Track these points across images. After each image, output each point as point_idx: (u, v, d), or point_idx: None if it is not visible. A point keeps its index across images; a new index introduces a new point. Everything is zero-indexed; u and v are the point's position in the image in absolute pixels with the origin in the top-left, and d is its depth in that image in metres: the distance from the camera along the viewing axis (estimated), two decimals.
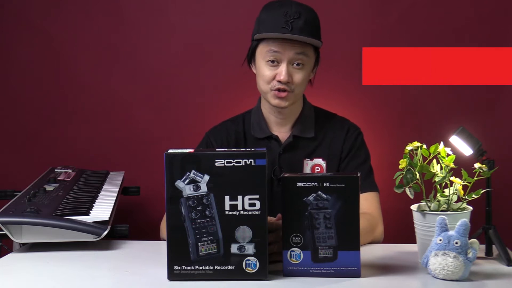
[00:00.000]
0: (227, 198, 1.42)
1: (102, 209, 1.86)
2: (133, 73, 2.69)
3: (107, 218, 1.76)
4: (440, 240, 1.44)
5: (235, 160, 1.42)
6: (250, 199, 1.43)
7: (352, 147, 1.91)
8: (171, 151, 1.44)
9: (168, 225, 1.44)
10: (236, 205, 1.42)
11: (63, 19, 2.69)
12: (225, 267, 1.43)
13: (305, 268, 1.47)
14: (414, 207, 1.60)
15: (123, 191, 2.36)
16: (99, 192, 2.10)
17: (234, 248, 1.43)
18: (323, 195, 1.44)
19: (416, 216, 1.58)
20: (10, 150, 2.73)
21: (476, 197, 1.56)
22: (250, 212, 1.43)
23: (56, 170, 2.43)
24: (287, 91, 1.81)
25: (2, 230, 1.69)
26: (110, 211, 1.83)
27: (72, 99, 2.72)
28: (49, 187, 2.10)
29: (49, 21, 2.69)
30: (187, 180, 1.42)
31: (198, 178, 1.42)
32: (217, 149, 1.48)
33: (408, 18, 2.56)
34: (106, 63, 2.69)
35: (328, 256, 1.45)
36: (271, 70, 1.81)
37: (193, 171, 1.42)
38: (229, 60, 2.59)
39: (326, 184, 1.44)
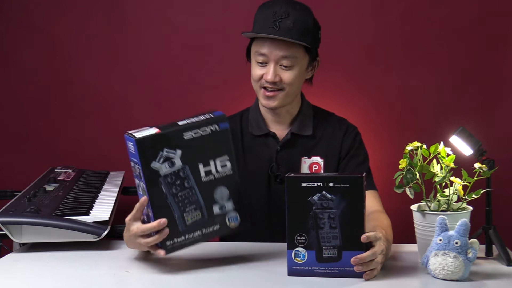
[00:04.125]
0: (200, 166, 1.50)
1: (102, 209, 1.86)
2: (133, 73, 2.69)
3: (107, 218, 1.76)
4: (440, 240, 1.44)
5: (201, 129, 1.49)
6: (221, 161, 1.52)
7: (351, 147, 1.91)
8: (137, 134, 1.46)
9: (154, 207, 1.48)
10: (210, 170, 1.51)
11: (63, 19, 2.69)
12: (211, 228, 1.53)
13: (310, 268, 1.47)
14: (414, 207, 1.60)
15: (123, 191, 2.36)
16: (99, 192, 2.10)
17: (216, 209, 1.52)
18: (328, 195, 1.44)
19: (416, 216, 1.58)
20: (10, 150, 2.73)
21: (476, 197, 1.56)
22: (223, 174, 1.53)
23: (56, 170, 2.43)
24: (275, 90, 1.81)
25: (2, 230, 1.69)
26: (110, 211, 1.83)
27: (72, 99, 2.72)
28: (49, 187, 2.10)
29: (49, 21, 2.69)
30: (162, 159, 1.46)
31: (171, 155, 1.47)
32: (179, 122, 1.51)
33: (408, 18, 2.56)
34: (106, 63, 2.70)
35: (332, 256, 1.45)
36: (260, 70, 1.81)
37: (165, 150, 1.47)
38: (229, 60, 2.60)
39: (331, 184, 1.44)
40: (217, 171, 1.52)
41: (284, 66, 1.79)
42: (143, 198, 1.49)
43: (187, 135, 1.48)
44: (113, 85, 2.70)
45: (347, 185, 1.44)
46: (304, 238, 1.46)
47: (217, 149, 1.52)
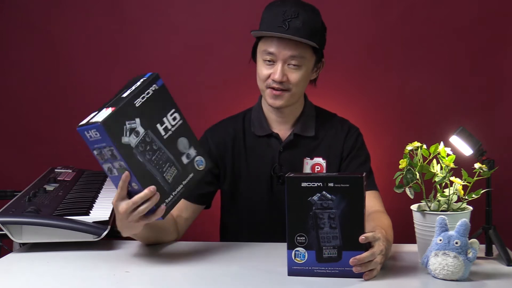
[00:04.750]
0: (158, 126, 1.56)
1: (102, 209, 1.86)
2: (133, 73, 2.67)
3: (107, 218, 1.77)
4: (440, 240, 1.44)
5: (146, 93, 1.56)
6: (171, 115, 1.59)
7: (353, 148, 1.91)
8: (99, 119, 1.49)
9: (138, 178, 1.51)
10: (166, 126, 1.58)
11: (63, 19, 2.69)
12: (188, 178, 1.59)
13: (310, 268, 1.47)
14: (414, 207, 1.60)
15: None
16: (99, 192, 2.10)
17: (184, 159, 1.59)
18: (328, 195, 1.44)
19: (416, 216, 1.58)
20: (10, 150, 2.74)
21: (476, 197, 1.56)
22: (177, 125, 1.59)
23: (56, 170, 2.43)
24: (282, 90, 1.81)
25: (2, 230, 1.69)
26: (110, 211, 1.83)
27: (72, 99, 2.72)
28: (49, 187, 2.10)
29: (49, 21, 2.69)
30: (127, 132, 1.52)
31: (133, 125, 1.52)
32: (123, 95, 1.57)
33: (408, 18, 2.56)
34: (106, 63, 2.70)
35: (332, 256, 1.45)
36: (267, 69, 1.81)
37: (126, 122, 1.51)
38: (230, 60, 2.60)
39: (331, 184, 1.44)
40: (171, 125, 1.58)
41: (292, 66, 1.79)
42: (125, 174, 1.50)
43: (138, 102, 1.54)
44: (113, 85, 2.68)
45: (347, 185, 1.44)
46: (304, 238, 1.46)
47: (163, 105, 1.59)
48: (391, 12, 2.57)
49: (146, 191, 1.49)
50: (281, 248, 1.61)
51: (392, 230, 1.69)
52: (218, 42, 2.63)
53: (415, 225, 1.59)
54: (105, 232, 1.70)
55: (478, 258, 1.53)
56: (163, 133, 1.56)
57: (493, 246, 1.63)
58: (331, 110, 2.00)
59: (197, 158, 1.61)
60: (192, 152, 1.61)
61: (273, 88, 1.81)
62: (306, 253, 1.46)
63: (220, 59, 2.63)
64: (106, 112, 1.51)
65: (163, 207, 1.52)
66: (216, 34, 2.63)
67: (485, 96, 2.56)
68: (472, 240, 1.45)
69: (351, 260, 1.43)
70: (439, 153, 1.56)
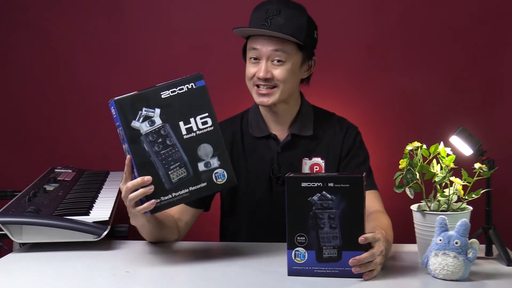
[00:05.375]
0: (181, 124, 1.53)
1: (102, 209, 1.86)
2: (133, 73, 2.69)
3: (107, 218, 1.76)
4: (440, 240, 1.44)
5: (178, 88, 1.53)
6: (201, 118, 1.55)
7: (352, 147, 1.90)
8: (116, 98, 1.51)
9: (137, 165, 1.50)
10: (191, 127, 1.54)
11: (63, 19, 2.69)
12: (198, 186, 1.54)
13: (310, 268, 1.47)
14: (414, 207, 1.60)
15: None
16: (99, 192, 2.10)
17: (201, 166, 1.55)
18: (328, 195, 1.44)
19: (416, 216, 1.58)
20: (10, 150, 2.73)
21: (476, 197, 1.56)
22: (205, 130, 1.55)
23: (56, 170, 2.43)
24: (269, 88, 1.81)
25: (2, 230, 1.69)
26: (110, 211, 1.83)
27: (72, 99, 2.72)
28: (49, 187, 2.10)
29: (49, 21, 2.69)
30: (141, 118, 1.51)
31: (150, 114, 1.51)
32: (157, 84, 1.55)
33: (408, 18, 2.56)
34: (106, 63, 2.70)
35: (332, 256, 1.45)
36: (253, 67, 1.82)
37: (144, 109, 1.51)
38: (229, 60, 2.59)
39: (331, 184, 1.44)
40: (198, 128, 1.55)
41: (276, 62, 1.79)
42: (127, 158, 1.51)
43: (164, 94, 1.53)
44: (113, 85, 2.70)
45: (347, 185, 1.44)
46: (304, 238, 1.46)
47: (196, 106, 1.55)
48: (391, 12, 2.57)
49: (139, 179, 1.50)
50: (281, 248, 1.61)
51: (392, 230, 1.69)
52: (218, 42, 2.63)
53: (415, 225, 1.59)
54: (105, 232, 1.70)
55: (478, 258, 1.53)
56: (184, 132, 1.54)
57: (493, 246, 1.63)
58: (331, 110, 2.00)
59: (219, 170, 1.56)
60: (214, 162, 1.55)
61: (259, 86, 1.81)
62: (306, 253, 1.46)
63: (220, 59, 2.63)
64: (129, 94, 1.53)
65: (153, 201, 1.50)
66: (216, 34, 2.63)
67: (485, 96, 2.56)
68: (472, 240, 1.45)
69: (350, 260, 1.43)
70: (439, 153, 1.56)
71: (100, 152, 2.68)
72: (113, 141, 2.63)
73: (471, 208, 1.58)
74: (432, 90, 2.57)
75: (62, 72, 2.71)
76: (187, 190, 1.54)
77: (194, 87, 1.55)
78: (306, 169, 1.89)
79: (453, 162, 1.55)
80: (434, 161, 1.57)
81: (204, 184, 1.55)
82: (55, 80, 2.72)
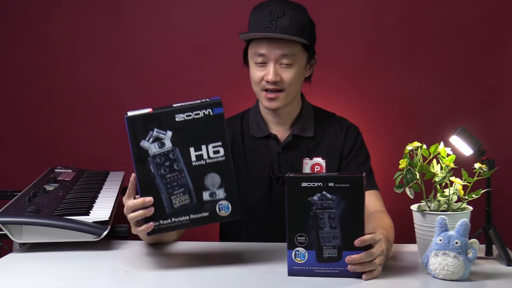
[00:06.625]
0: (191, 149, 1.49)
1: (102, 209, 1.86)
2: (133, 73, 2.69)
3: (107, 218, 1.76)
4: (440, 240, 1.44)
5: (194, 113, 1.48)
6: (213, 147, 1.50)
7: (353, 147, 1.91)
8: (130, 113, 1.48)
9: (140, 184, 1.48)
10: (202, 154, 1.49)
11: (63, 19, 2.69)
12: (200, 215, 1.51)
13: (310, 268, 1.47)
14: (414, 207, 1.60)
15: (123, 191, 2.34)
16: (99, 192, 2.10)
17: (206, 196, 1.50)
18: (328, 195, 1.44)
19: (416, 216, 1.58)
20: (10, 150, 2.73)
21: (476, 197, 1.56)
22: (215, 159, 1.50)
23: (56, 170, 2.43)
24: (277, 91, 1.80)
25: (2, 230, 1.69)
26: (110, 211, 1.83)
27: (72, 99, 2.72)
28: (49, 187, 2.10)
29: (49, 21, 2.69)
30: (151, 139, 1.47)
31: (161, 135, 1.47)
32: (174, 105, 1.51)
33: (408, 18, 2.56)
34: (106, 63, 2.70)
35: (332, 256, 1.45)
36: (260, 71, 1.81)
37: (155, 129, 1.47)
38: (229, 60, 2.59)
39: (331, 184, 1.44)
40: (208, 156, 1.50)
41: (284, 65, 1.79)
42: (132, 176, 1.50)
43: (179, 117, 1.48)
44: (113, 85, 2.70)
45: (347, 185, 1.44)
46: (304, 238, 1.46)
47: (210, 134, 1.50)
48: (391, 12, 2.57)
49: (140, 200, 1.48)
50: (281, 248, 1.61)
51: (393, 230, 1.69)
52: (218, 42, 2.63)
53: (415, 225, 1.59)
54: (105, 232, 1.70)
55: (478, 258, 1.53)
56: (193, 158, 1.49)
57: (493, 246, 1.63)
58: (331, 110, 2.00)
59: (223, 202, 1.51)
60: (220, 193, 1.51)
61: (268, 90, 1.80)
62: (306, 253, 1.46)
63: (220, 59, 2.63)
64: (143, 111, 1.49)
65: (150, 224, 1.48)
66: (216, 34, 2.63)
67: (485, 96, 2.56)
68: (472, 240, 1.45)
69: (346, 258, 1.43)
70: (439, 153, 1.56)
71: (100, 152, 2.68)
72: (113, 141, 2.65)
73: (471, 208, 1.58)
74: (432, 90, 2.57)
75: (62, 72, 2.71)
76: (187, 218, 1.51)
77: (211, 113, 1.49)
78: (307, 169, 1.89)
79: (453, 162, 1.55)
80: (434, 161, 1.57)
81: (206, 214, 1.51)
82: (55, 80, 2.72)
